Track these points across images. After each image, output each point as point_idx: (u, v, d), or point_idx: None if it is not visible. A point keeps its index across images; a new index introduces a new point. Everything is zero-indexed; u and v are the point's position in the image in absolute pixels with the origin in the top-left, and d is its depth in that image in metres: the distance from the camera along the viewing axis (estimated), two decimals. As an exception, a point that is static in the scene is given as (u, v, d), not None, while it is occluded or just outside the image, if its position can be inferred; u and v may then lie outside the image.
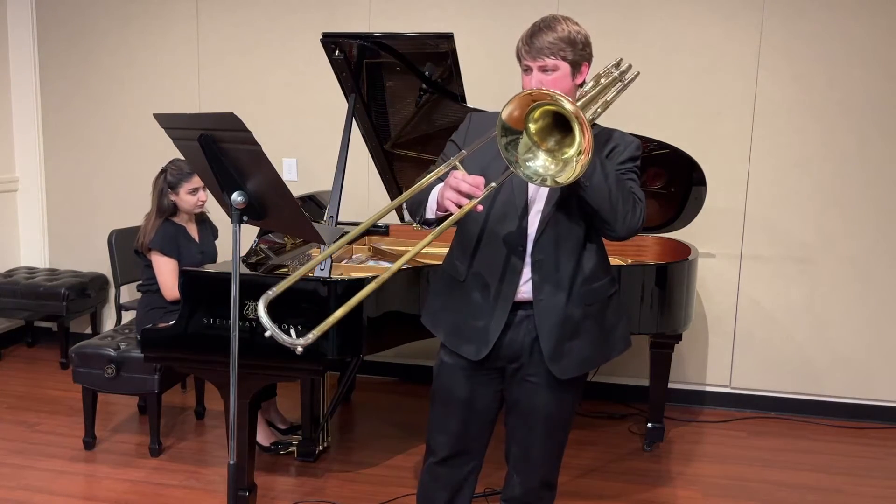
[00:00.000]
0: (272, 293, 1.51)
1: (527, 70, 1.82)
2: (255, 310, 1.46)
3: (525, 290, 1.87)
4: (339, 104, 3.21)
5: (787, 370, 3.86)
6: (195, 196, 3.17)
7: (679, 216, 3.42)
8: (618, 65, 1.97)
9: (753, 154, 3.76)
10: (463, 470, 2.04)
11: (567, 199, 1.82)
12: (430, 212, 1.79)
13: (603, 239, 1.92)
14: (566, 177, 1.58)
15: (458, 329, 1.93)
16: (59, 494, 2.86)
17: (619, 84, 1.94)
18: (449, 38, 2.73)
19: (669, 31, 3.75)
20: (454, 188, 1.65)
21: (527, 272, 1.86)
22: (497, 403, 2.02)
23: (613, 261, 3.32)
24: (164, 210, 3.17)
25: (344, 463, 3.19)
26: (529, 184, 1.83)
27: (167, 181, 3.16)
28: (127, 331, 3.43)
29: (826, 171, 3.70)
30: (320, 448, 3.24)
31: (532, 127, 1.61)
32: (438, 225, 1.83)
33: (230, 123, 1.79)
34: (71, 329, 4.40)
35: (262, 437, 3.21)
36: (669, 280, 3.07)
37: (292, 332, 1.47)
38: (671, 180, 3.33)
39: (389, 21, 3.99)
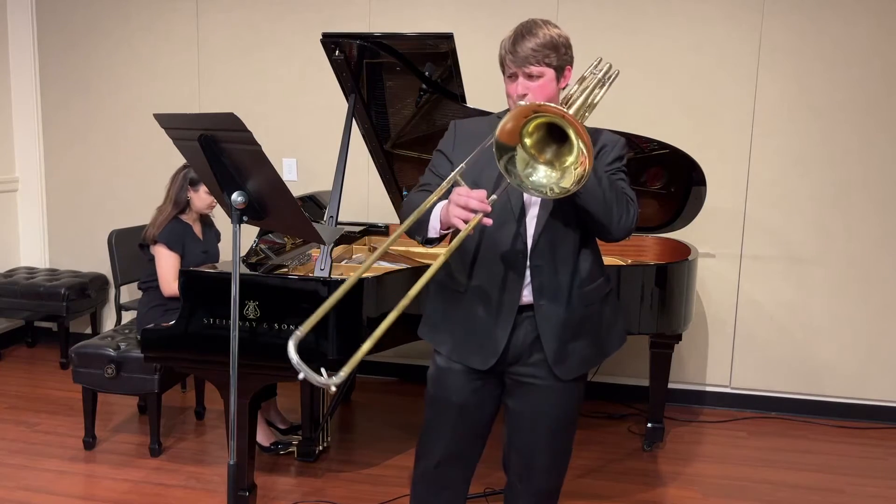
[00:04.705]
0: (300, 333, 1.49)
1: (512, 77, 1.81)
2: (287, 352, 1.45)
3: (525, 294, 1.87)
4: (339, 104, 3.21)
5: (787, 370, 3.86)
6: (212, 197, 3.19)
7: (679, 216, 3.42)
8: (598, 66, 1.97)
9: (753, 154, 3.76)
10: (458, 474, 2.03)
11: (561, 204, 1.81)
12: (434, 231, 1.76)
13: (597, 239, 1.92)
14: (568, 181, 1.58)
15: (463, 341, 1.92)
16: (59, 495, 2.86)
17: (604, 85, 1.95)
18: (449, 38, 2.74)
19: (669, 30, 3.75)
20: (463, 206, 1.63)
21: (527, 277, 1.86)
22: (494, 408, 2.00)
23: (613, 261, 3.34)
24: (179, 204, 3.21)
25: (344, 463, 3.19)
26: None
27: (189, 178, 3.19)
28: (127, 331, 3.43)
29: (826, 171, 3.70)
30: (320, 448, 3.24)
31: (528, 141, 1.61)
32: (440, 242, 1.83)
33: (230, 123, 1.79)
34: (71, 329, 4.41)
35: (262, 437, 3.21)
36: (669, 280, 3.07)
37: (323, 371, 1.47)
38: (671, 180, 3.33)
39: (389, 21, 3.99)
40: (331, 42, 2.86)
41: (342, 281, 2.52)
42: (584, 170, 1.55)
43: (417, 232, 1.79)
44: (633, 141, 3.20)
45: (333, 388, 1.47)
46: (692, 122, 3.77)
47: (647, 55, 3.77)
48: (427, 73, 2.95)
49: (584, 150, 1.53)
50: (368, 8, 4.03)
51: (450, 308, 1.95)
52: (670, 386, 3.61)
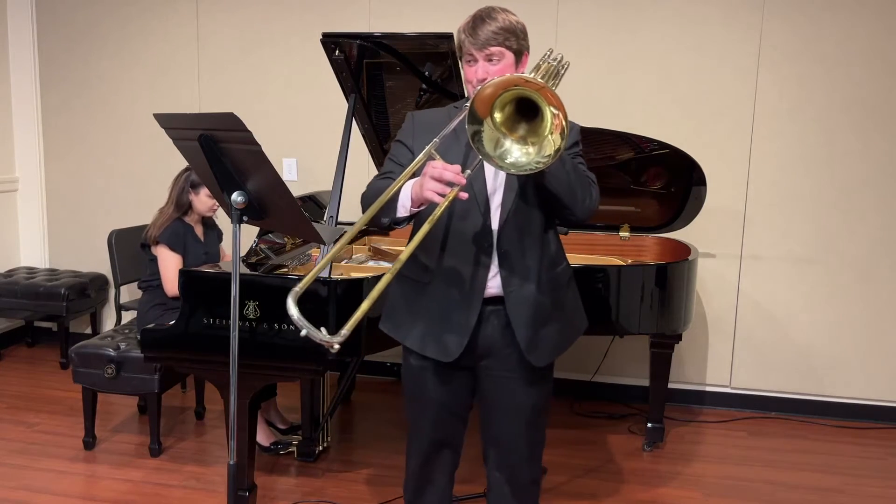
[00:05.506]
0: (299, 289, 1.49)
1: (470, 60, 1.82)
2: (288, 309, 1.45)
3: (493, 286, 1.85)
4: (339, 104, 3.21)
5: (787, 370, 3.86)
6: (212, 200, 3.20)
7: (679, 216, 3.42)
8: (552, 56, 1.96)
9: (753, 154, 3.76)
10: (445, 460, 2.03)
11: (525, 188, 1.82)
12: (403, 209, 1.75)
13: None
14: (551, 147, 1.55)
15: (428, 333, 1.89)
16: (60, 494, 2.86)
17: (558, 74, 1.94)
18: (449, 37, 2.73)
19: (670, 30, 3.75)
20: (437, 178, 1.62)
21: (494, 266, 1.85)
22: (469, 397, 1.99)
23: (613, 261, 3.33)
24: (181, 206, 3.22)
25: (344, 463, 3.19)
26: (487, 177, 1.83)
27: (190, 180, 3.20)
28: (127, 331, 3.43)
29: (826, 171, 3.70)
30: (320, 448, 3.25)
31: (498, 116, 1.59)
32: (408, 223, 1.82)
33: (230, 123, 1.79)
34: (71, 329, 4.41)
35: (262, 437, 3.21)
36: (669, 280, 3.07)
37: (323, 329, 1.48)
38: (671, 180, 3.34)
39: (389, 21, 3.99)
40: (331, 42, 2.86)
41: (342, 281, 2.52)
42: (562, 130, 1.53)
43: (385, 214, 1.76)
44: (633, 141, 3.20)
45: (337, 346, 1.47)
46: (692, 123, 3.77)
47: (647, 55, 3.77)
48: (427, 73, 2.95)
49: (560, 113, 1.52)
50: (368, 8, 4.03)
51: (413, 300, 1.92)
52: (670, 386, 3.61)
